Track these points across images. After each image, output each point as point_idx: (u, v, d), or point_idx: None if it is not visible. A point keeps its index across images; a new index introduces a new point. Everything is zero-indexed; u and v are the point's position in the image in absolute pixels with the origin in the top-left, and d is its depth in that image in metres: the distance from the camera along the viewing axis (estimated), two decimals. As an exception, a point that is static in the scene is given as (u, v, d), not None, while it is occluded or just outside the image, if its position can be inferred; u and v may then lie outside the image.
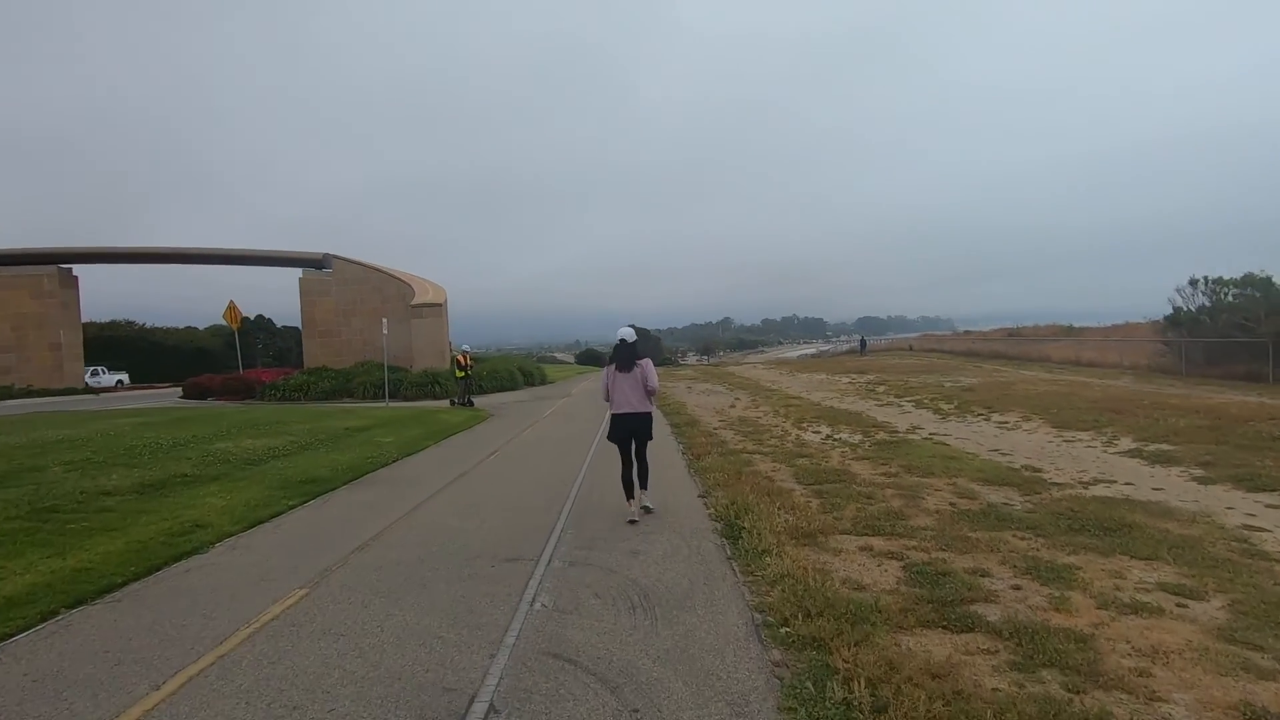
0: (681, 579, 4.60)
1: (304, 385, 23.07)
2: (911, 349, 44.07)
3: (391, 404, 20.28)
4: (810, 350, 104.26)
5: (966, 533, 5.40)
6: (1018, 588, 4.24)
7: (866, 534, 5.51)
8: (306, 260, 31.33)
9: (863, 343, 56.96)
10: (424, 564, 5.14)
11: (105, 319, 47.90)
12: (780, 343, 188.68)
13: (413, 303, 27.64)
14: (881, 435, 11.01)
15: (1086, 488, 6.92)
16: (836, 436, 11.14)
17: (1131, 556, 4.74)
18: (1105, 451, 9.04)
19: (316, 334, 30.61)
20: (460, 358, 19.38)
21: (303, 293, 30.55)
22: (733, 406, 17.01)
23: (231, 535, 6.16)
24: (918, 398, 16.69)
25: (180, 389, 26.90)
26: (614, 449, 6.39)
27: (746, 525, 5.55)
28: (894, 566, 4.72)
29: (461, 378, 19.36)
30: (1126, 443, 9.46)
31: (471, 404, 19.35)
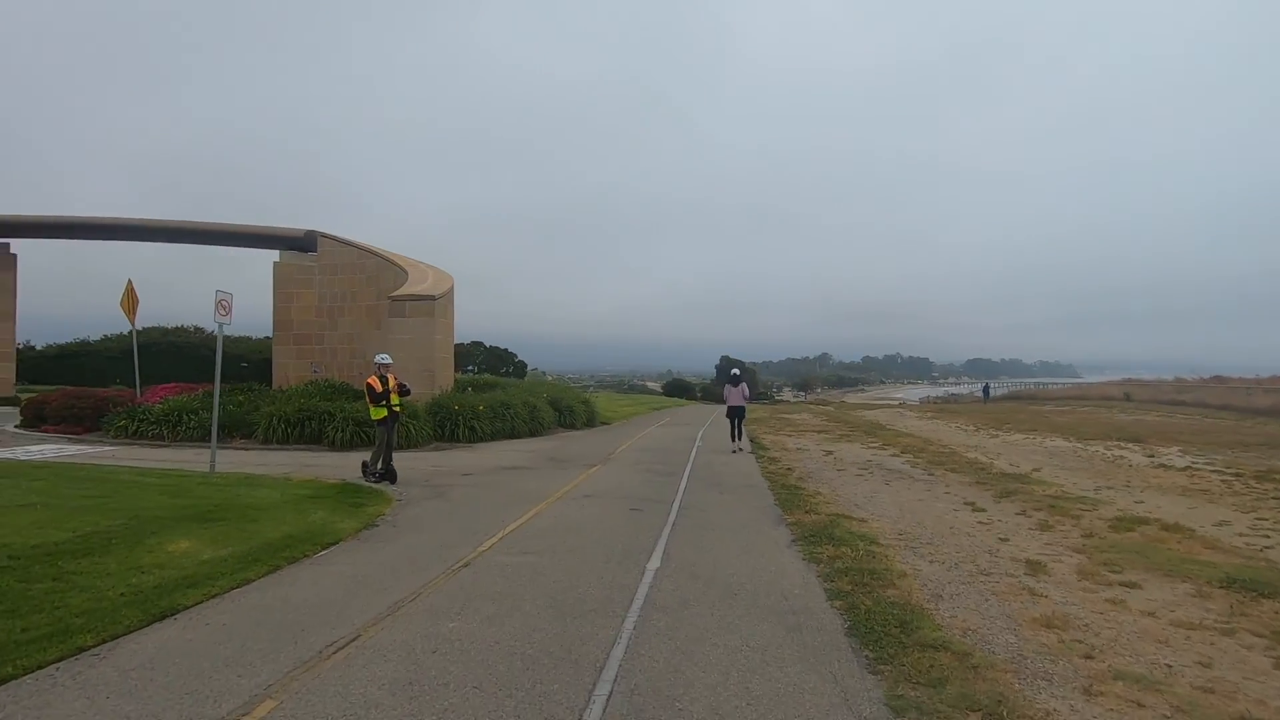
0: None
1: (175, 415, 13.73)
2: (1129, 398, 30.46)
3: (267, 459, 10.58)
4: (930, 391, 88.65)
5: None
6: None
7: None
8: (285, 238, 22.63)
9: (986, 390, 46.58)
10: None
11: (173, 324, 41.70)
12: (883, 382, 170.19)
13: (393, 294, 18.29)
14: None
15: None
16: None
17: None
18: None
19: (291, 340, 21.78)
20: (375, 381, 9.42)
21: (277, 283, 21.72)
22: (1123, 608, 5.69)
23: None
24: None
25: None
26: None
27: None
28: None
29: (381, 419, 9.42)
30: None
31: (391, 476, 9.30)
